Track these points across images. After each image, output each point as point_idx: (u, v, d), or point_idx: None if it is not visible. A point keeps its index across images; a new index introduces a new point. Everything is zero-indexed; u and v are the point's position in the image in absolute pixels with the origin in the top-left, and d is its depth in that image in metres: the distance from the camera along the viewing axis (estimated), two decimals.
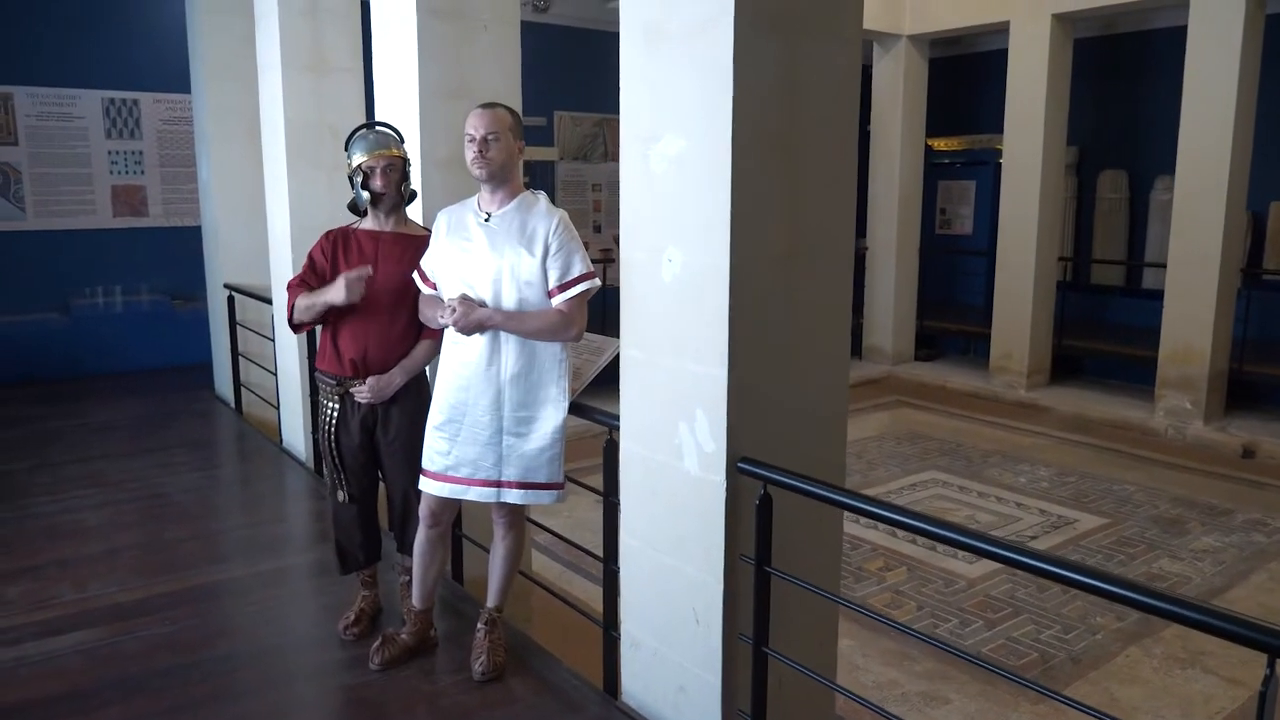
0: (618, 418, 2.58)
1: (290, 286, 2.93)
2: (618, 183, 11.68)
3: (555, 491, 2.68)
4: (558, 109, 9.80)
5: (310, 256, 2.96)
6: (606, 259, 9.66)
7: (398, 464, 2.98)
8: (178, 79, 7.28)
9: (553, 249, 2.57)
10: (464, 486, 2.68)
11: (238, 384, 6.23)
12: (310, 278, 2.92)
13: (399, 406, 2.94)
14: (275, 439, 5.52)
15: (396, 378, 2.90)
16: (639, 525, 2.51)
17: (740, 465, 2.19)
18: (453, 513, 2.85)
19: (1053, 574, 1.71)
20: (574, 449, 2.85)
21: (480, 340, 2.62)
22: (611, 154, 10.21)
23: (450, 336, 2.69)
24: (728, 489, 2.21)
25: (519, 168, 2.68)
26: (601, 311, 8.87)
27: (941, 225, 11.01)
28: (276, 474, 4.93)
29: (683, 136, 2.21)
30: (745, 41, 2.05)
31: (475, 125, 2.58)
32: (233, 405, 6.30)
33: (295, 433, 5.20)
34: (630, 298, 2.45)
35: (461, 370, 2.66)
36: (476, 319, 2.56)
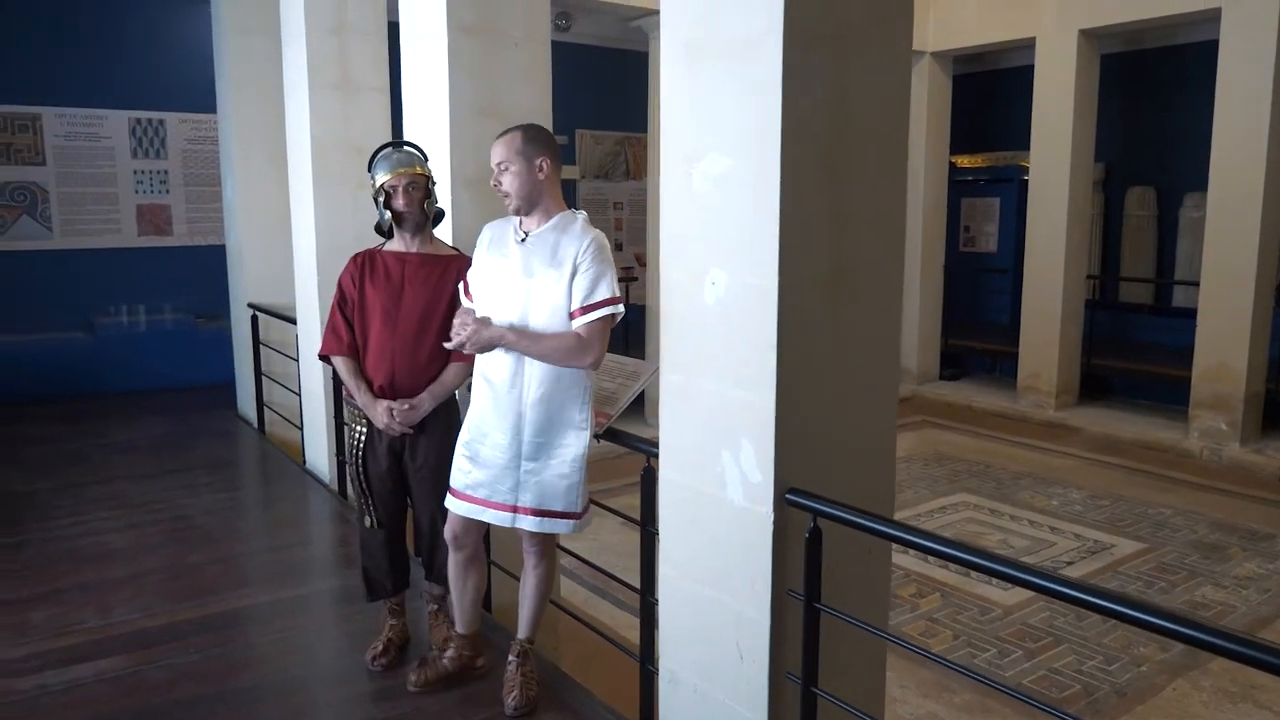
0: (656, 444, 2.50)
1: (331, 322, 2.93)
2: (639, 201, 11.62)
3: (572, 521, 2.62)
4: (579, 127, 9.81)
5: (340, 285, 2.95)
6: (628, 277, 9.63)
7: (425, 490, 2.94)
8: (203, 98, 7.32)
9: (580, 269, 2.53)
10: (480, 507, 2.64)
11: (260, 404, 6.23)
12: (345, 305, 2.92)
13: (427, 432, 2.90)
14: (298, 460, 5.50)
15: (425, 403, 2.86)
16: (679, 556, 2.43)
17: (788, 496, 2.12)
18: (477, 535, 2.79)
19: (1099, 607, 1.63)
20: (601, 469, 2.77)
21: (505, 361, 2.58)
22: (633, 172, 10.21)
23: (482, 354, 2.64)
24: (775, 521, 2.13)
25: (552, 186, 2.63)
26: (624, 332, 8.86)
27: (966, 243, 10.90)
28: (300, 496, 4.88)
29: (727, 155, 2.15)
30: (794, 58, 1.99)
31: (492, 154, 2.60)
32: (255, 425, 6.29)
33: (319, 454, 5.17)
34: (671, 320, 2.38)
35: (485, 390, 2.63)
36: (486, 338, 2.52)
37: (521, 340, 2.52)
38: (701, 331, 2.27)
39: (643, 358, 7.85)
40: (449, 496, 2.70)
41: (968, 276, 10.64)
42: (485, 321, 2.52)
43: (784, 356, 2.09)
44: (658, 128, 8.03)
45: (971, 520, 6.16)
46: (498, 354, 2.60)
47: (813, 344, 2.15)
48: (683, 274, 2.32)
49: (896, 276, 2.32)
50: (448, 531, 2.75)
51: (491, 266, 2.64)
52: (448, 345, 2.60)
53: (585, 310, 2.52)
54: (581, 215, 2.64)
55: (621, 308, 2.58)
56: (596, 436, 2.71)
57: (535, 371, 2.56)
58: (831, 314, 2.17)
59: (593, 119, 9.83)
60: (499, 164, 2.57)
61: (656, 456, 2.51)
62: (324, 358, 2.97)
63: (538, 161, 2.58)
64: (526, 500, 2.60)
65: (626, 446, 2.72)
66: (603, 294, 2.53)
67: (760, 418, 2.12)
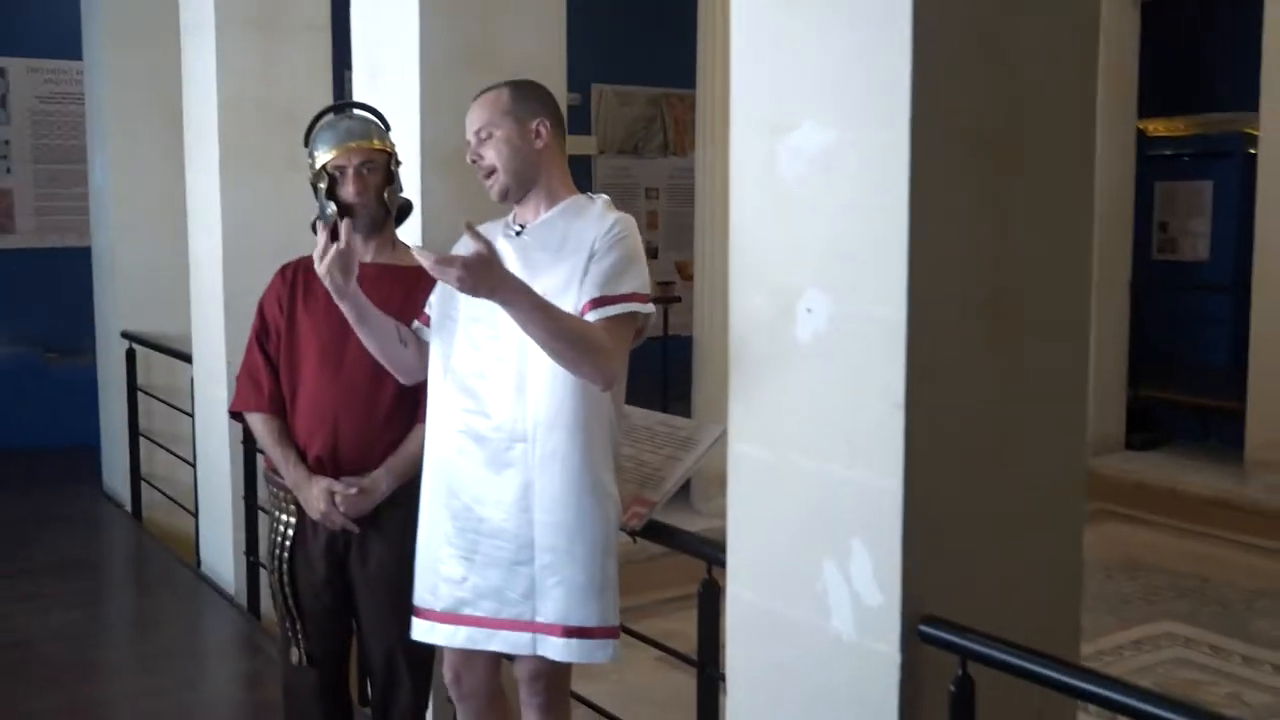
0: (720, 546, 2.49)
1: (247, 364, 2.95)
2: (683, 186, 11.66)
3: (610, 641, 2.62)
4: (597, 81, 9.86)
5: (260, 310, 2.98)
6: (667, 297, 9.60)
7: (380, 610, 2.94)
8: (63, 39, 7.35)
9: (599, 253, 2.55)
10: (489, 631, 2.63)
11: (136, 477, 6.23)
12: (266, 340, 2.94)
13: (382, 526, 2.90)
14: (191, 560, 5.48)
15: (382, 483, 2.87)
16: (756, 712, 2.41)
17: (924, 629, 2.09)
18: (490, 672, 2.80)
19: None
20: (625, 575, 2.73)
21: (502, 397, 2.58)
22: (674, 145, 10.25)
23: (447, 386, 2.64)
24: (904, 664, 2.10)
25: (555, 160, 2.68)
26: (661, 375, 8.81)
27: (1162, 247, 10.80)
28: (192, 614, 4.87)
29: (832, 125, 2.15)
30: None
31: (468, 122, 2.65)
32: (128, 508, 6.29)
33: (221, 551, 5.15)
34: (744, 364, 2.38)
35: (468, 447, 2.60)
36: (495, 279, 2.32)
37: (538, 310, 2.39)
38: (791, 382, 2.27)
39: (688, 412, 7.81)
40: (428, 622, 2.68)
41: (1165, 297, 10.53)
42: (485, 260, 2.30)
43: (917, 420, 2.06)
44: (713, 81, 8.13)
45: (1183, 662, 6.04)
46: (489, 384, 2.59)
47: (960, 402, 2.12)
48: (762, 296, 2.32)
49: (1081, 301, 2.32)
50: (446, 673, 2.75)
51: None
52: (438, 263, 2.32)
53: (600, 303, 2.52)
54: (601, 198, 2.69)
55: (651, 308, 2.60)
56: (631, 533, 2.70)
57: (545, 412, 2.55)
58: (987, 358, 2.15)
59: (616, 70, 9.85)
60: (478, 130, 2.62)
61: (721, 565, 2.49)
62: (236, 415, 3.00)
63: (534, 124, 2.61)
64: (549, 613, 2.59)
65: (673, 548, 2.72)
66: (628, 285, 2.55)
67: (882, 512, 2.10)
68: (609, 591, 2.61)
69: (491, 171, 2.61)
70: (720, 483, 2.64)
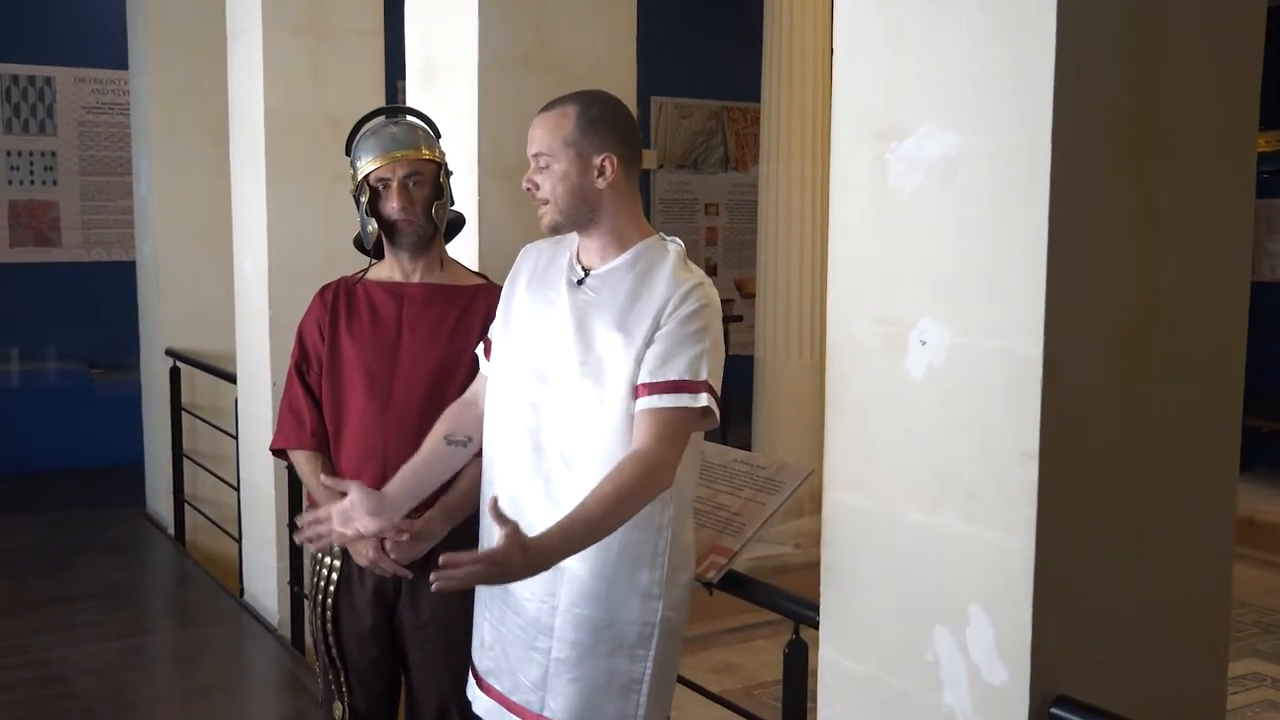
0: (811, 605, 2.36)
1: (288, 397, 2.89)
2: (744, 202, 11.49)
3: None
4: (656, 94, 9.90)
5: (300, 338, 2.91)
6: (727, 315, 9.45)
7: (432, 660, 2.82)
8: (110, 48, 7.37)
9: (666, 325, 2.30)
10: (500, 710, 2.50)
11: (180, 500, 6.18)
12: (307, 369, 2.87)
13: (436, 571, 2.69)
14: (234, 586, 5.45)
15: (435, 526, 2.73)
16: None
17: (1056, 711, 1.93)
18: None
19: None
20: None
21: (519, 469, 2.40)
22: (735, 160, 10.31)
23: (491, 438, 2.51)
24: None
25: (623, 198, 2.43)
26: (723, 395, 8.62)
27: (1264, 270, 10.52)
28: (234, 647, 4.82)
29: (954, 129, 1.99)
30: None
31: (529, 142, 2.44)
32: (171, 531, 6.22)
33: (265, 581, 5.09)
34: (844, 401, 2.25)
35: (510, 487, 2.44)
36: (527, 562, 2.14)
37: (579, 539, 2.22)
38: (900, 423, 2.13)
39: (748, 436, 7.62)
40: (470, 678, 2.58)
41: (1267, 319, 10.24)
42: (518, 543, 2.12)
43: (1053, 471, 1.90)
44: (778, 93, 8.03)
45: (1271, 704, 5.87)
46: (511, 453, 2.42)
47: (1099, 449, 1.98)
48: (866, 325, 2.20)
49: (1234, 329, 2.22)
50: None
51: (531, 317, 2.48)
52: (439, 575, 2.17)
53: (657, 389, 2.29)
54: (676, 247, 2.43)
55: (715, 410, 2.33)
56: (707, 585, 2.54)
57: (585, 483, 2.30)
58: (1129, 397, 2.02)
59: (676, 82, 9.88)
60: (536, 155, 2.41)
61: (813, 624, 2.36)
62: (279, 453, 2.93)
63: (599, 160, 2.36)
64: (558, 709, 2.39)
65: (756, 603, 2.61)
66: (690, 370, 2.29)
67: (1008, 574, 1.95)
68: (629, 695, 2.38)
69: (544, 204, 2.41)
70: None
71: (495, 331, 2.58)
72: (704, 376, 2.29)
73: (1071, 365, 1.89)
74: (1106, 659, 2.00)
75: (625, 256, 2.40)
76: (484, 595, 2.53)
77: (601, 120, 2.39)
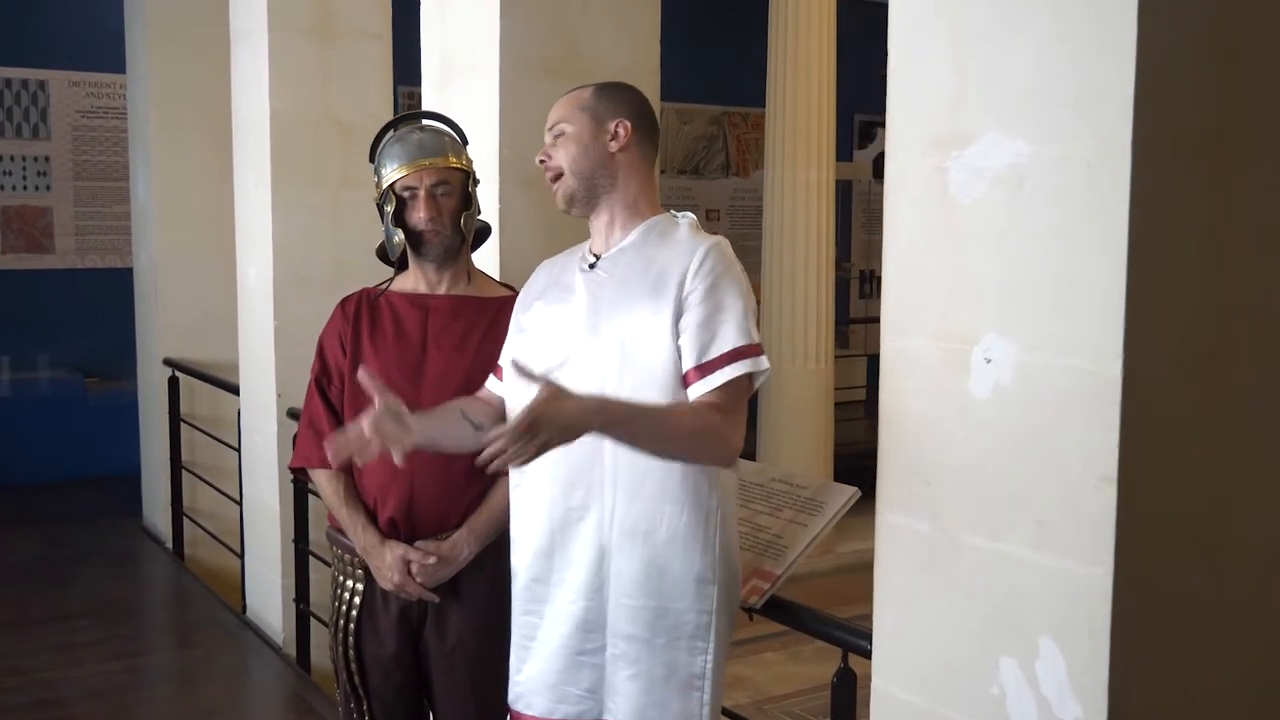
0: (864, 634, 2.29)
1: (308, 413, 2.82)
2: (747, 208, 11.42)
3: None
4: (660, 99, 9.74)
5: (321, 351, 2.86)
6: None
7: (459, 689, 2.80)
8: (106, 51, 7.33)
9: (692, 300, 2.25)
10: None
11: (179, 513, 6.16)
12: (328, 385, 2.83)
13: (463, 594, 2.75)
14: (236, 602, 5.40)
15: (465, 548, 2.70)
16: None
17: None
18: None
19: None
20: None
21: (571, 461, 2.28)
22: (737, 166, 10.31)
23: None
24: None
25: (637, 171, 2.42)
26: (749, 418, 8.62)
27: None
28: (237, 666, 4.77)
29: (1024, 136, 1.93)
30: None
31: (548, 121, 2.44)
32: (169, 544, 6.19)
33: (269, 597, 5.03)
34: (899, 420, 2.18)
35: (534, 516, 2.39)
36: (560, 424, 2.03)
37: (620, 422, 2.14)
38: (961, 444, 2.06)
39: (753, 444, 7.56)
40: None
41: None
42: (552, 391, 2.04)
43: (1131, 496, 1.83)
44: (783, 98, 7.99)
45: None
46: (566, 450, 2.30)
47: (1182, 474, 1.92)
48: (923, 341, 2.13)
49: None
50: None
51: (544, 322, 2.44)
52: (485, 461, 2.08)
53: (704, 371, 2.24)
54: (687, 218, 2.43)
55: (766, 362, 2.32)
56: (749, 610, 2.49)
57: (626, 477, 2.28)
58: (1213, 421, 1.94)
59: (676, 87, 9.69)
60: (551, 128, 2.42)
61: (863, 653, 2.31)
62: (298, 472, 2.88)
63: (612, 124, 2.36)
64: (619, 708, 2.35)
65: (802, 631, 2.57)
66: (732, 339, 2.26)
67: (1083, 604, 1.88)
68: (691, 691, 2.34)
69: (559, 175, 2.37)
70: None
71: (510, 345, 2.53)
72: (757, 339, 2.28)
73: (1152, 385, 1.84)
74: (1186, 694, 1.96)
75: (635, 233, 2.38)
76: (521, 611, 2.44)
77: (618, 92, 2.44)
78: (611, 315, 2.32)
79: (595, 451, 2.28)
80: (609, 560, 2.32)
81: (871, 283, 10.99)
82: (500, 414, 2.51)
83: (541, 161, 2.40)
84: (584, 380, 2.26)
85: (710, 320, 2.25)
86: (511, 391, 2.47)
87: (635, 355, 2.28)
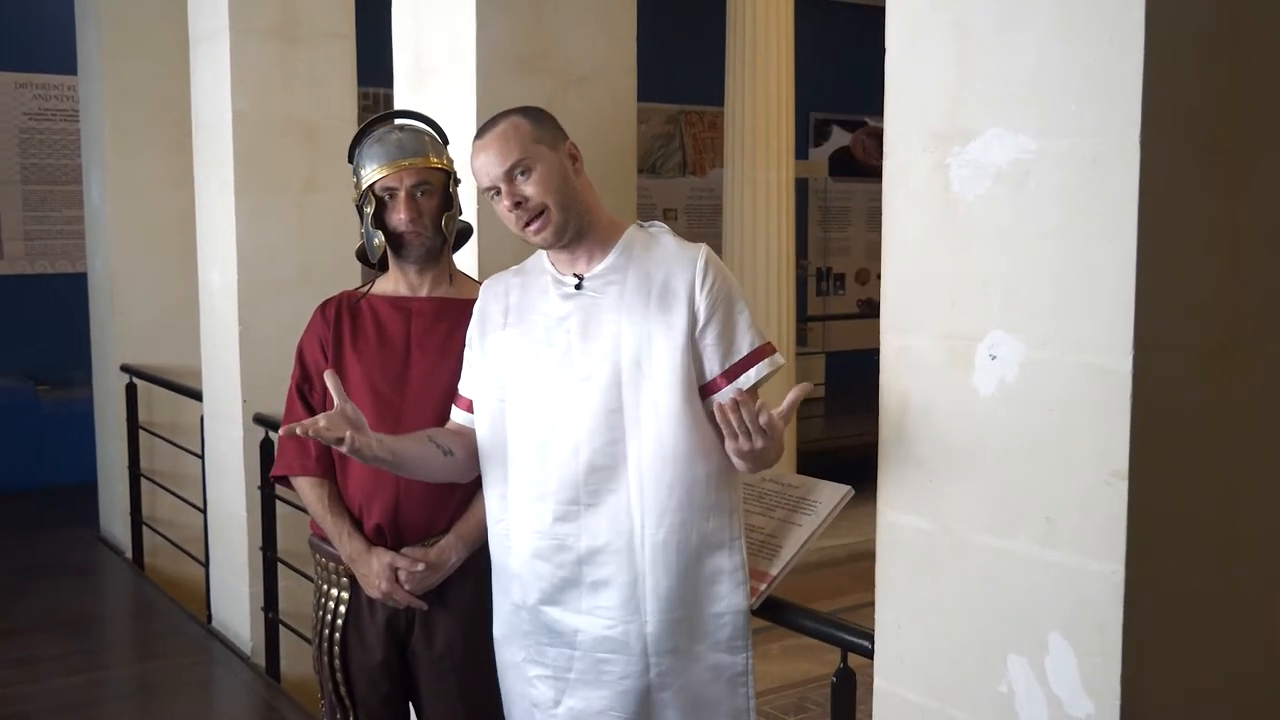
0: (866, 635, 2.28)
1: (289, 418, 2.74)
2: (705, 207, 11.49)
3: None
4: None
5: (300, 356, 2.81)
6: None
7: (447, 697, 2.76)
8: (56, 52, 7.32)
9: (703, 311, 2.34)
10: None
11: (138, 521, 6.12)
12: (310, 390, 2.78)
13: (451, 601, 2.72)
14: (200, 612, 5.36)
15: (452, 553, 2.67)
16: None
17: None
18: None
19: None
20: None
21: (592, 462, 2.32)
22: (694, 165, 10.36)
23: (517, 453, 2.42)
24: None
25: (589, 190, 2.44)
26: None
27: None
28: (204, 676, 4.73)
29: (1028, 131, 1.92)
30: None
31: (487, 167, 2.36)
32: (128, 554, 6.16)
33: (236, 606, 4.98)
34: (899, 418, 2.17)
35: (550, 531, 2.36)
36: (779, 445, 2.36)
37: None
38: (966, 441, 2.06)
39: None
40: None
41: None
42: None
43: (1142, 491, 1.83)
44: (741, 96, 8.00)
45: None
46: (586, 448, 2.34)
47: (1194, 469, 1.92)
48: (925, 338, 2.13)
49: None
50: None
51: (522, 350, 2.42)
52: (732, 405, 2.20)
53: (734, 372, 2.37)
54: (660, 227, 2.48)
55: (781, 358, 2.49)
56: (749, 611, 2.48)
57: (652, 483, 2.31)
58: (1225, 417, 1.94)
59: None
60: (511, 167, 2.33)
61: (861, 652, 2.31)
62: (280, 480, 2.81)
63: (565, 148, 2.40)
64: None
65: (800, 631, 2.52)
66: (749, 339, 2.40)
67: (1094, 601, 1.88)
68: (736, 689, 2.41)
69: (540, 211, 2.32)
70: None
71: (477, 380, 2.50)
72: (767, 337, 2.43)
73: (1163, 380, 1.84)
74: (1199, 689, 1.96)
75: (616, 249, 2.39)
76: (530, 651, 2.43)
77: (543, 115, 2.43)
78: (617, 331, 2.33)
79: (619, 456, 2.32)
80: (643, 577, 2.34)
81: (829, 280, 11.06)
82: (471, 443, 2.49)
83: (516, 204, 2.32)
84: (602, 407, 2.31)
85: (727, 328, 2.36)
86: (484, 422, 2.46)
87: (652, 368, 2.32)
